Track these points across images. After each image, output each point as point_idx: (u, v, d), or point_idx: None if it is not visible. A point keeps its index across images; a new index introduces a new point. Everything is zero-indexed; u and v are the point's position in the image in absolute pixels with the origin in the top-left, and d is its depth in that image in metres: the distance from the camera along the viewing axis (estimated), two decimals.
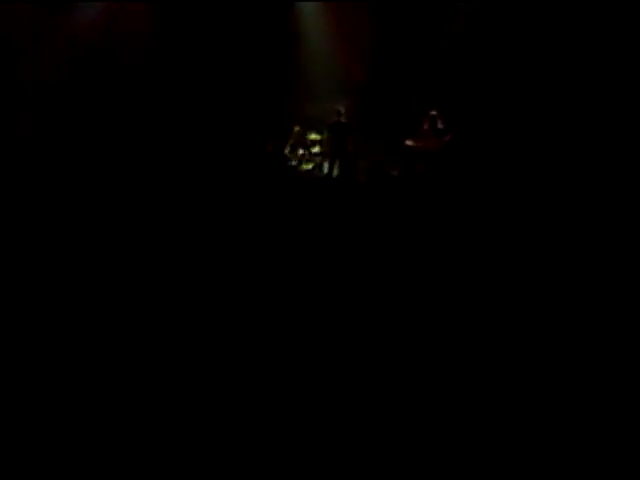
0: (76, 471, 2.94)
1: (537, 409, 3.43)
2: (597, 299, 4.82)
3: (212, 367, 3.83)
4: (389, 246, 6.13)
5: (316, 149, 11.67)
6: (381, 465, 3.05)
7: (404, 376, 3.78)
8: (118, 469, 2.97)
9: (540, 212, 7.39)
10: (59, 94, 12.00)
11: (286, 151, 11.73)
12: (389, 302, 4.81)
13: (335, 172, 11.36)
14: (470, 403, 3.51)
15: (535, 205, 7.79)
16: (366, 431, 3.25)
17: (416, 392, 3.61)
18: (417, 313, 4.63)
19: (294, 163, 11.69)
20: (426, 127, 11.08)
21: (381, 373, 3.80)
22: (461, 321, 4.48)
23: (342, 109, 11.33)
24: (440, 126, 11.00)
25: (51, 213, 6.89)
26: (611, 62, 10.92)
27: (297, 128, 11.79)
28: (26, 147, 11.09)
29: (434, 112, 11.08)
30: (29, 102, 11.76)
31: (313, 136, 11.71)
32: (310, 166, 11.67)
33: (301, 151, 11.70)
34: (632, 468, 2.91)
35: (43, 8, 11.96)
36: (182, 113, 12.28)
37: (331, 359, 3.94)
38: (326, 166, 11.52)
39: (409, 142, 11.16)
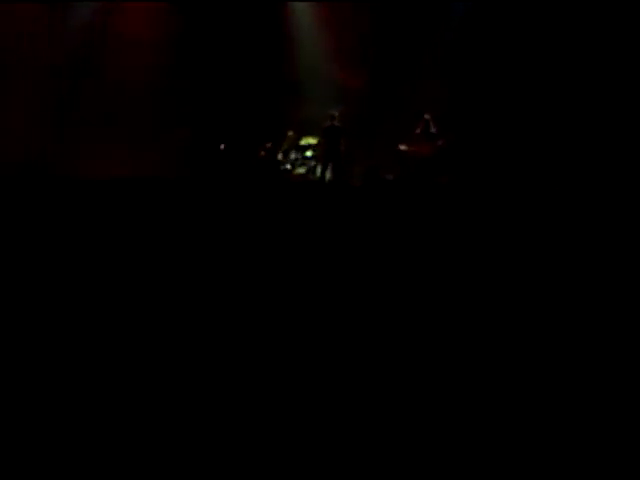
0: (76, 471, 2.91)
1: (537, 409, 3.42)
2: (598, 302, 4.81)
3: (207, 374, 3.80)
4: (384, 251, 6.11)
5: (309, 153, 11.65)
6: (381, 465, 3.03)
7: (404, 380, 3.76)
8: (118, 469, 2.94)
9: (538, 216, 7.39)
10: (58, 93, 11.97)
11: (279, 155, 11.71)
12: (385, 309, 4.79)
13: (328, 176, 11.35)
14: (470, 404, 3.49)
15: (532, 209, 7.80)
16: (366, 431, 3.23)
17: (416, 395, 3.59)
18: (414, 319, 4.61)
19: (287, 167, 11.67)
20: (419, 131, 11.08)
21: (379, 380, 3.78)
22: (460, 327, 4.46)
23: (336, 113, 11.33)
24: (433, 130, 11.01)
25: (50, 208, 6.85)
26: (609, 67, 10.97)
27: (290, 132, 11.78)
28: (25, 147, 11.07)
29: (427, 116, 11.08)
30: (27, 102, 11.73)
31: (306, 140, 11.69)
32: (303, 170, 11.65)
33: (294, 155, 11.68)
34: (632, 468, 2.90)
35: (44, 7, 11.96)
36: (175, 116, 12.26)
37: (326, 367, 3.92)
38: (319, 170, 11.51)
39: (403, 146, 11.16)
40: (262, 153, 11.89)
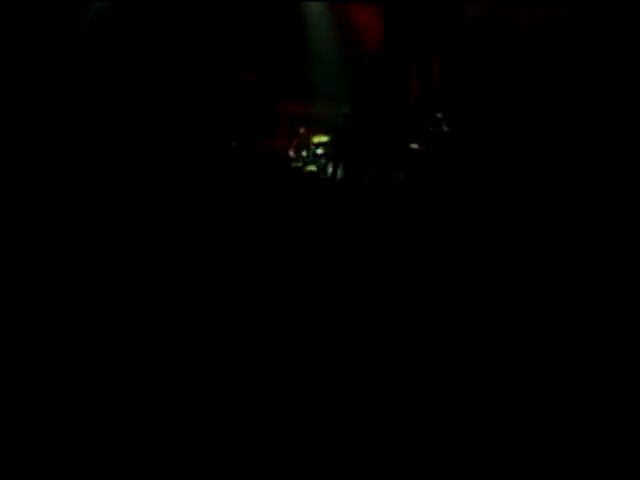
0: (76, 471, 2.91)
1: (537, 409, 3.39)
2: (597, 300, 4.78)
3: (211, 366, 3.80)
4: (393, 249, 6.10)
5: (321, 151, 11.63)
6: (381, 465, 3.02)
7: (404, 377, 3.75)
8: (118, 469, 2.94)
9: (544, 216, 7.35)
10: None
11: (290, 152, 11.71)
12: (392, 305, 4.78)
13: (339, 174, 11.36)
14: (470, 403, 3.47)
15: (539, 209, 7.76)
16: (366, 431, 3.22)
17: (416, 393, 3.58)
18: (421, 316, 4.60)
19: (298, 164, 11.66)
20: (431, 130, 11.06)
21: (381, 374, 3.77)
22: (463, 324, 4.44)
23: (348, 111, 11.34)
24: (445, 129, 10.98)
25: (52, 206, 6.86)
26: (612, 69, 10.95)
27: (302, 130, 11.78)
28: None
29: (439, 115, 11.06)
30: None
31: (318, 138, 11.69)
32: (314, 168, 11.64)
33: (305, 153, 11.68)
34: (632, 468, 2.87)
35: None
36: (185, 113, 12.25)
37: (331, 364, 3.91)
38: (330, 168, 11.50)
39: (414, 145, 11.14)
40: (272, 149, 11.92)
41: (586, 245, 6.04)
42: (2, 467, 2.89)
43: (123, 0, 12.28)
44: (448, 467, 3.01)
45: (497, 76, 11.69)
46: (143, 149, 11.36)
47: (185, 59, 12.31)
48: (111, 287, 4.90)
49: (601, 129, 10.71)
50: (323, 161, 11.62)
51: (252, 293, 4.86)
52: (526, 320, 4.44)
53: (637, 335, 4.18)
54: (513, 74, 11.54)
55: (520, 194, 8.72)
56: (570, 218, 7.10)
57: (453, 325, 4.38)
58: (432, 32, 12.17)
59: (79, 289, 4.80)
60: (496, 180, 10.26)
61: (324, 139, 11.62)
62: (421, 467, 3.01)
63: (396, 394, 3.53)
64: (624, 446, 3.02)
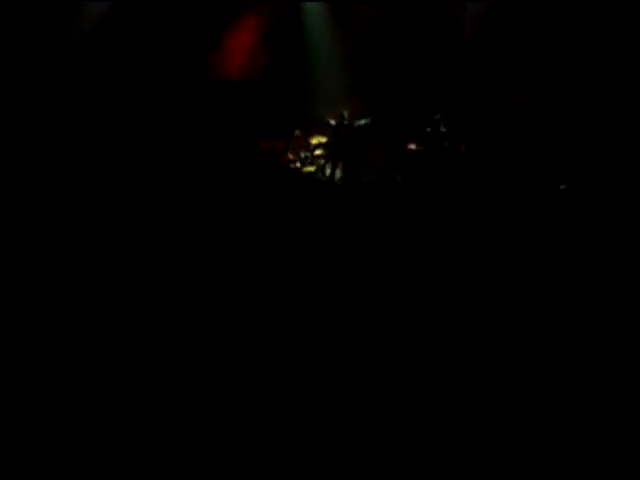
0: (76, 471, 2.92)
1: (537, 409, 3.40)
2: (596, 301, 4.80)
3: (209, 369, 3.81)
4: (391, 251, 6.11)
5: (319, 152, 11.65)
6: (381, 465, 3.03)
7: (404, 378, 3.76)
8: (118, 469, 2.95)
9: (544, 218, 7.36)
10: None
11: (289, 154, 11.72)
12: (390, 306, 4.79)
13: (337, 175, 11.37)
14: (470, 403, 3.48)
15: (539, 210, 7.77)
16: (366, 431, 3.23)
17: (416, 394, 3.59)
18: (419, 317, 4.61)
19: (296, 165, 11.67)
20: (429, 131, 11.08)
21: (381, 376, 3.78)
22: (461, 325, 4.46)
23: (345, 112, 11.35)
24: (443, 130, 11.00)
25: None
26: (615, 69, 10.95)
27: (298, 132, 11.80)
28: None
29: (437, 116, 11.08)
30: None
31: (316, 139, 11.70)
32: (312, 169, 11.66)
33: (303, 154, 11.69)
34: (632, 468, 2.88)
35: None
36: (179, 114, 12.23)
37: (328, 370, 3.92)
38: (328, 169, 11.52)
39: (412, 146, 11.15)
40: (271, 151, 11.91)
41: (579, 247, 6.06)
42: (2, 467, 2.89)
43: (123, 1, 12.25)
44: (448, 467, 3.02)
45: (496, 77, 11.70)
46: (142, 150, 11.36)
47: (184, 58, 12.29)
48: (111, 287, 4.91)
49: (601, 131, 10.72)
50: (321, 162, 11.64)
51: (250, 294, 4.86)
52: (520, 322, 4.45)
53: (629, 334, 4.20)
54: (512, 75, 11.55)
55: (518, 197, 8.74)
56: (565, 221, 7.12)
57: (451, 326, 4.39)
58: (432, 32, 12.17)
59: (79, 289, 4.81)
60: (494, 182, 10.27)
61: (322, 140, 11.64)
62: (421, 467, 3.02)
63: (394, 394, 3.54)
64: (624, 445, 3.03)
